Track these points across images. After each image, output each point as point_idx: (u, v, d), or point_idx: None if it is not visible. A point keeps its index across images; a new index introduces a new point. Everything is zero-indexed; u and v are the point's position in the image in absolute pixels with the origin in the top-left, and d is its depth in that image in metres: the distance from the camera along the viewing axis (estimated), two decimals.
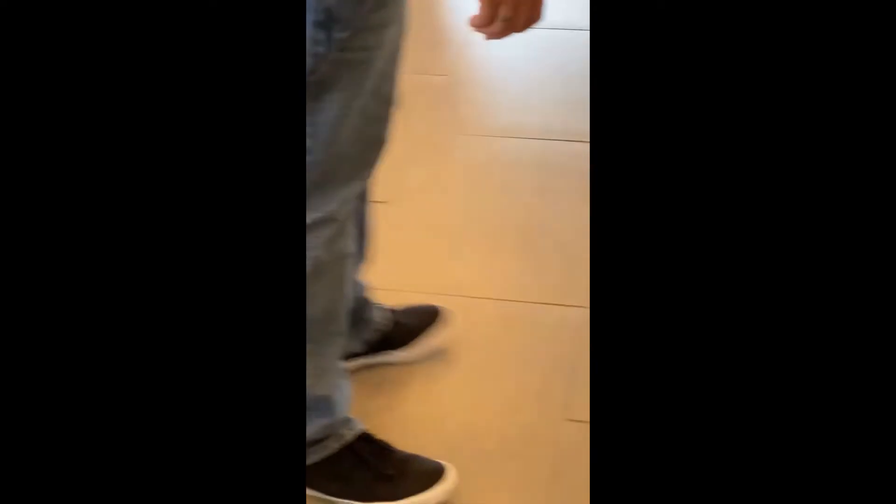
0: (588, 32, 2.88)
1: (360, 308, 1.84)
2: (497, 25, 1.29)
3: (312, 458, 1.68)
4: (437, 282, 2.11)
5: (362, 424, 1.70)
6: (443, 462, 1.70)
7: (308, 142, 1.44)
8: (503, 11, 1.27)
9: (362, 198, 1.70)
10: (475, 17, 1.29)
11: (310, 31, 1.36)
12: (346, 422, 1.69)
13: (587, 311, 2.01)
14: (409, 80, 2.73)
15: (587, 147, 2.48)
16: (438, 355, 1.95)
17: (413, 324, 1.95)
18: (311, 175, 1.46)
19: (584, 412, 1.77)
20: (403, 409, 1.87)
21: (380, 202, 1.82)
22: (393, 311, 1.93)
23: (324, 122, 1.44)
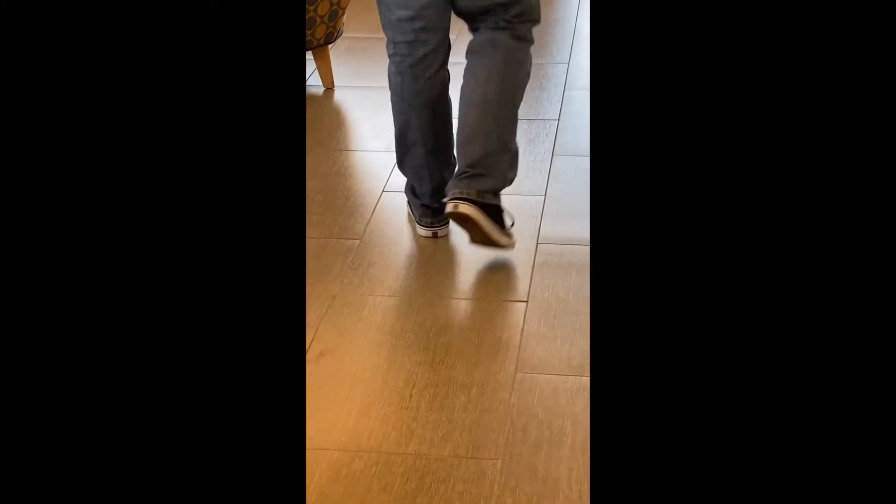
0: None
1: None
2: None
3: None
4: (353, 439, 2.15)
5: None
6: None
7: None
8: None
9: None
10: None
11: None
12: None
13: (500, 463, 2.06)
14: (323, 244, 2.80)
15: (493, 304, 2.56)
16: None
17: None
18: None
19: None
20: None
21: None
22: None
23: None
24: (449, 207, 2.54)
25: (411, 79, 2.60)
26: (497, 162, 2.58)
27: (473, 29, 2.64)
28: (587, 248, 2.77)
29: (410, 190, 2.82)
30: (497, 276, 2.68)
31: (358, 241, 2.83)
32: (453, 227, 2.83)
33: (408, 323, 2.52)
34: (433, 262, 2.75)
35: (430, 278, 2.68)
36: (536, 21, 2.64)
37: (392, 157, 3.24)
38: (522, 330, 2.47)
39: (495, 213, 2.60)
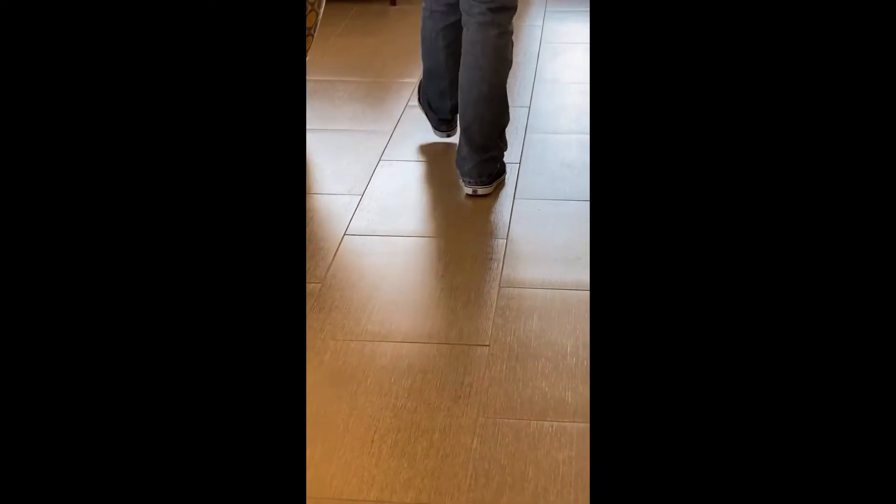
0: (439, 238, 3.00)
1: None
2: None
3: None
4: (314, 485, 2.12)
5: None
6: None
7: None
8: None
9: None
10: None
11: None
12: None
13: None
14: None
15: (455, 349, 2.55)
16: None
17: None
18: None
19: None
20: None
21: None
22: None
23: None
24: (468, 191, 3.28)
25: (445, 38, 3.36)
26: (496, 141, 3.28)
27: (465, 15, 3.18)
28: (549, 292, 2.78)
29: (428, 106, 3.59)
30: (459, 320, 2.67)
31: (319, 285, 2.82)
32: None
33: (370, 367, 2.50)
34: (395, 305, 2.74)
35: (392, 322, 2.67)
36: (514, 10, 3.18)
37: (353, 201, 3.23)
38: (485, 374, 2.46)
39: (498, 175, 3.33)
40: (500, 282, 2.81)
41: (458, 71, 3.29)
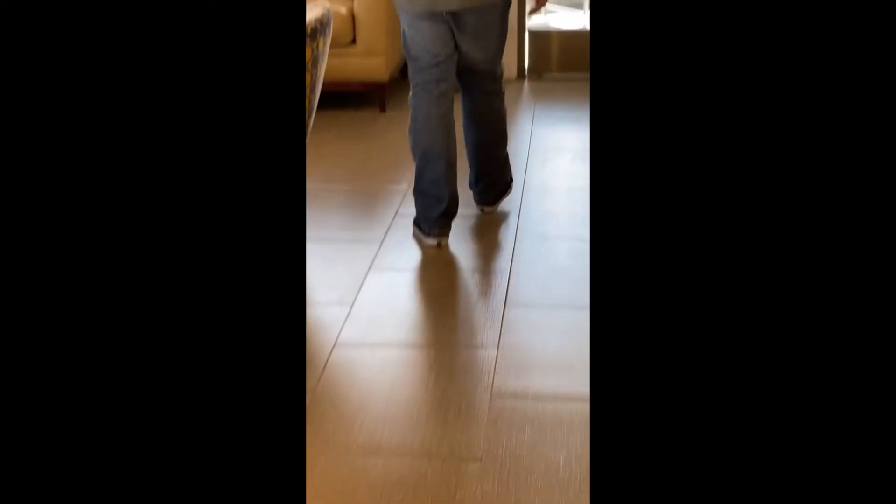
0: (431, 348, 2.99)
1: None
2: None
3: None
4: None
5: None
6: None
7: None
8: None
9: None
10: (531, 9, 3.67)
11: None
12: None
13: None
14: None
15: (446, 463, 2.52)
16: None
17: None
18: None
19: None
20: None
21: None
22: None
23: None
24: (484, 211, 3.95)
25: (438, 107, 3.62)
26: (502, 176, 3.97)
27: (466, 90, 3.80)
28: (540, 403, 2.75)
29: (422, 217, 3.72)
30: (451, 432, 2.64)
31: (310, 397, 2.79)
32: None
33: (360, 482, 2.46)
34: (385, 418, 2.71)
35: (383, 435, 2.64)
36: (502, 77, 3.86)
37: (343, 310, 3.22)
38: (477, 490, 2.42)
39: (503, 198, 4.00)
40: (492, 393, 2.79)
41: (454, 152, 3.67)
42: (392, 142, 4.75)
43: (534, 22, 6.29)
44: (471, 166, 3.88)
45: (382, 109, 5.15)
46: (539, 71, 5.73)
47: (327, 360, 2.93)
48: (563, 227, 3.80)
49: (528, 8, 4.28)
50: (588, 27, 6.57)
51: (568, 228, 3.78)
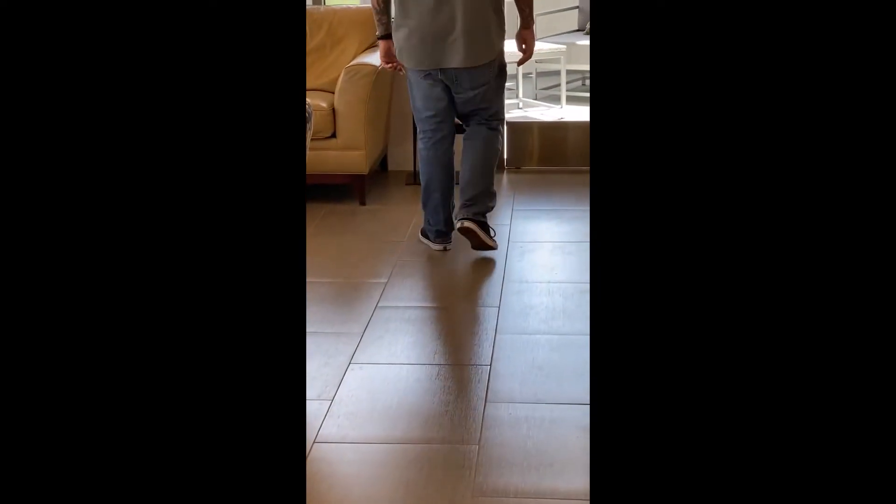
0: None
1: None
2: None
3: None
4: None
5: None
6: None
7: None
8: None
9: None
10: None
11: None
12: None
13: None
14: None
15: None
16: None
17: None
18: None
19: None
20: None
21: None
22: None
23: None
24: (458, 225, 4.36)
25: (434, 150, 4.42)
26: (483, 198, 4.39)
27: (466, 125, 4.48)
28: (524, 501, 2.73)
29: (427, 228, 4.54)
30: None
31: None
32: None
33: None
34: None
35: None
36: (503, 121, 4.57)
37: (323, 406, 3.21)
38: None
39: (484, 227, 4.39)
40: (473, 491, 2.76)
41: (449, 187, 4.45)
42: (372, 235, 4.76)
43: (513, 114, 6.37)
44: (460, 184, 4.39)
45: (362, 202, 5.18)
46: (518, 163, 5.79)
47: (306, 458, 2.90)
48: (543, 322, 3.80)
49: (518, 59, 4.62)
50: (565, 118, 6.67)
51: (547, 323, 3.79)
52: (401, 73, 4.54)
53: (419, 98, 4.38)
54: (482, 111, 4.38)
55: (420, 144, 4.50)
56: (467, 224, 4.30)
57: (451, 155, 4.43)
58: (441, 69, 4.23)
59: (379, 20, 4.38)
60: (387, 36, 4.37)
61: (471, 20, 4.17)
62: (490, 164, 4.40)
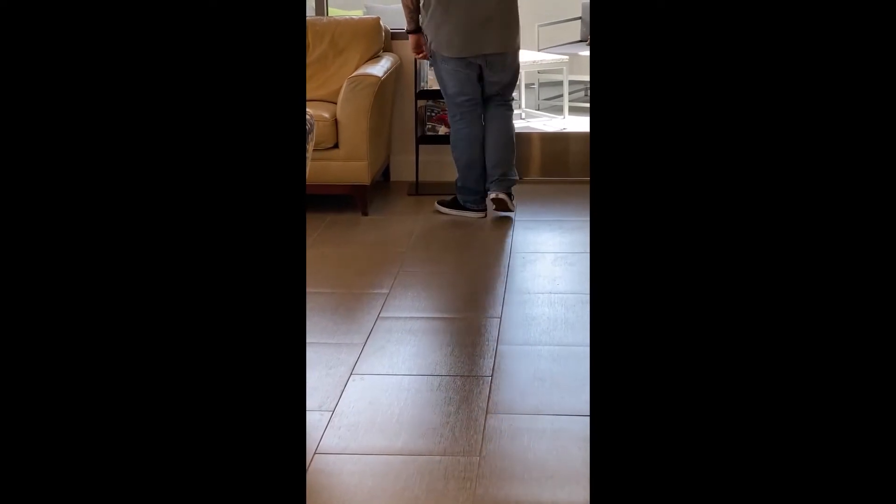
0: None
1: None
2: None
3: None
4: None
5: None
6: None
7: None
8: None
9: None
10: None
11: None
12: None
13: None
14: None
15: None
16: None
17: None
18: None
19: None
20: None
21: None
22: None
23: None
24: (492, 196, 5.01)
25: (472, 128, 5.04)
26: (511, 172, 5.09)
27: (486, 104, 5.10)
28: None
29: (466, 199, 5.11)
30: None
31: None
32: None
33: None
34: None
35: None
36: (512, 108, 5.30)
37: (324, 417, 3.20)
38: None
39: (511, 196, 5.07)
40: (474, 502, 2.75)
41: (484, 157, 5.04)
42: (374, 245, 4.76)
43: (516, 125, 6.38)
44: (488, 162, 5.03)
45: (364, 213, 5.18)
46: (520, 173, 5.79)
47: (307, 469, 2.90)
48: (545, 333, 3.79)
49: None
50: (567, 129, 6.67)
51: (549, 334, 3.78)
52: (425, 60, 5.24)
53: (453, 85, 5.01)
54: (505, 91, 5.10)
55: (457, 126, 5.05)
56: (502, 196, 4.99)
57: (483, 129, 5.06)
58: (482, 55, 4.92)
59: (410, 17, 5.05)
60: (417, 30, 5.05)
61: (505, 12, 4.95)
62: (513, 141, 5.11)
